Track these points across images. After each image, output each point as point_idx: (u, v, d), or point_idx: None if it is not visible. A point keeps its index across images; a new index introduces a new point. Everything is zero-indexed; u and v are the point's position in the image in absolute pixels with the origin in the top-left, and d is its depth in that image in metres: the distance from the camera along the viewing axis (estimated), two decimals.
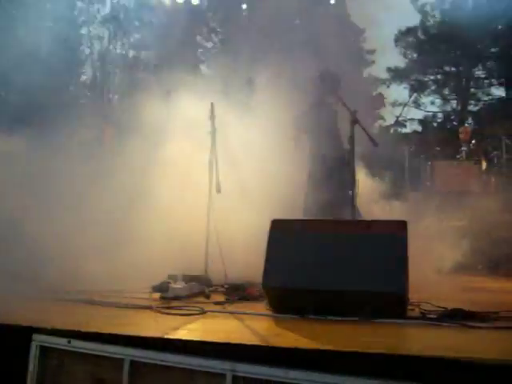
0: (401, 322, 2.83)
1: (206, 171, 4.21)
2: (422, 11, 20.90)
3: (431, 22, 20.99)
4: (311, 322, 2.84)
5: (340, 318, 2.84)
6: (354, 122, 4.05)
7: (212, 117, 4.29)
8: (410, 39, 21.35)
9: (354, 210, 3.95)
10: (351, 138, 4.06)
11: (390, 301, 2.83)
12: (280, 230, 3.09)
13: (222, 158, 4.20)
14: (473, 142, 8.25)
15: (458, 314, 2.95)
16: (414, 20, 21.10)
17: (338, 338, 2.55)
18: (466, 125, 9.13)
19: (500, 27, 20.66)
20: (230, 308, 3.32)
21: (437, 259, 5.63)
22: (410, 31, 21.11)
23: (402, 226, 2.98)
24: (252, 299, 3.59)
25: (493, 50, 20.28)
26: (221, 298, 3.64)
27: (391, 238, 2.93)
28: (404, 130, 18.18)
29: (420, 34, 21.06)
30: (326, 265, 2.92)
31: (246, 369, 2.30)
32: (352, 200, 3.97)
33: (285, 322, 2.88)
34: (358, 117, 4.15)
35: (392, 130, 9.36)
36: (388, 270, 2.84)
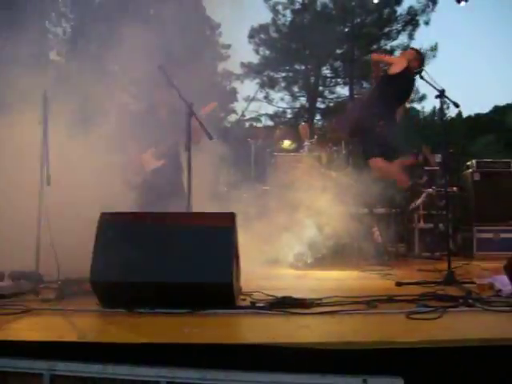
0: (230, 312, 2.89)
1: (38, 163, 4.00)
2: (274, 10, 21.56)
3: (282, 20, 21.71)
4: (139, 315, 2.81)
5: (169, 311, 2.84)
6: (190, 114, 4.08)
7: (44, 106, 4.07)
8: (263, 36, 21.94)
9: (189, 202, 3.98)
10: (188, 130, 4.08)
11: (219, 291, 2.88)
12: (109, 223, 3.02)
13: (54, 150, 4.02)
14: (315, 137, 8.64)
15: (285, 301, 3.08)
16: (266, 18, 21.70)
17: (164, 330, 2.55)
18: (303, 123, 9.49)
19: (346, 30, 21.94)
20: (59, 305, 3.19)
21: (275, 249, 5.86)
22: (262, 28, 21.70)
23: (230, 217, 3.05)
24: (86, 295, 3.48)
25: (338, 51, 21.49)
26: (51, 295, 3.49)
27: (220, 230, 2.99)
28: (259, 125, 18.77)
29: (272, 32, 21.72)
30: (156, 257, 2.91)
31: (64, 367, 2.22)
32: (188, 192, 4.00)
33: (112, 317, 2.83)
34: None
35: (247, 124, 9.54)
36: (217, 261, 2.89)
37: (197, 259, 2.89)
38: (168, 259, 2.91)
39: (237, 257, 3.13)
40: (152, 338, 2.36)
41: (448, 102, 4.27)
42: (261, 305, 3.01)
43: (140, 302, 2.89)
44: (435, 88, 4.23)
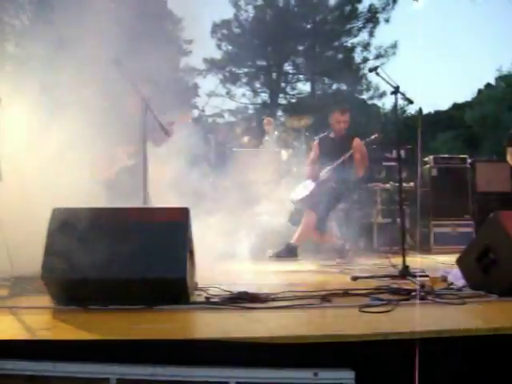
0: (184, 308, 2.87)
1: None
2: (236, 5, 21.52)
3: (244, 16, 21.69)
4: (91, 312, 2.77)
5: (122, 307, 2.81)
6: (145, 109, 4.04)
7: None
8: (225, 32, 21.88)
9: (146, 197, 3.95)
10: (143, 125, 4.05)
11: (172, 286, 2.86)
12: (61, 219, 2.96)
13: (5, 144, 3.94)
14: (276, 133, 8.69)
15: (240, 296, 3.08)
16: (229, 13, 21.65)
17: (117, 326, 2.52)
18: (268, 117, 9.52)
19: (308, 26, 22.05)
20: (10, 302, 3.12)
21: (234, 244, 5.86)
22: (224, 24, 21.64)
23: (184, 212, 3.03)
24: (39, 292, 3.41)
25: (300, 47, 21.59)
26: (4, 293, 3.42)
27: (174, 225, 2.97)
28: (222, 120, 18.72)
29: (234, 28, 21.68)
30: (108, 253, 2.86)
31: (13, 366, 2.18)
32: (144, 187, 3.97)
33: (64, 314, 2.77)
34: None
35: (211, 120, 9.48)
36: (170, 256, 2.86)
37: (150, 255, 2.86)
38: (121, 255, 2.86)
39: (191, 252, 3.11)
40: (104, 335, 2.32)
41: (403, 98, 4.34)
42: (215, 300, 3.00)
43: (93, 298, 2.85)
44: (390, 85, 4.29)
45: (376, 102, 22.71)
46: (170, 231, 2.94)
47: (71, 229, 2.95)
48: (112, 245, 2.89)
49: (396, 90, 4.23)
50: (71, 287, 2.87)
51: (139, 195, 4.41)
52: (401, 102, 4.44)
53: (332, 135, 6.63)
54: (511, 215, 3.49)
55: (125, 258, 2.87)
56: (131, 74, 4.32)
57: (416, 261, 5.41)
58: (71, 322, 2.58)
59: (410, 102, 4.31)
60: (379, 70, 4.46)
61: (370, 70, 4.41)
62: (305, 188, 6.53)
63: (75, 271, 2.85)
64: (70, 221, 2.98)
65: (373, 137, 6.61)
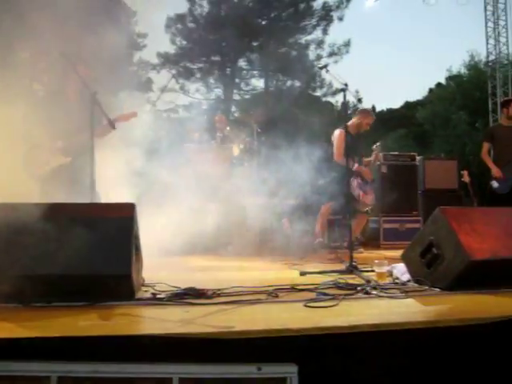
0: (128, 304, 2.84)
1: None
2: (191, 0, 21.36)
3: (199, 11, 21.56)
4: (34, 309, 2.71)
5: (66, 304, 2.76)
6: (93, 103, 3.98)
7: None
8: (180, 26, 21.70)
9: (93, 193, 3.89)
10: (91, 119, 3.98)
11: (118, 283, 2.83)
12: (2, 215, 2.89)
13: None
14: (227, 128, 8.67)
15: (187, 292, 3.07)
16: (183, 8, 21.47)
17: (60, 323, 2.47)
18: (220, 114, 9.51)
19: (263, 23, 22.10)
20: None
21: (185, 240, 5.84)
22: (179, 18, 21.46)
23: (130, 208, 3.00)
24: None
25: (254, 43, 21.61)
26: None
27: (119, 220, 2.93)
28: (177, 116, 18.60)
29: (188, 23, 21.52)
30: (52, 249, 2.80)
31: None
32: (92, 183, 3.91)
33: (5, 311, 2.70)
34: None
35: (165, 115, 9.39)
36: (116, 252, 2.83)
37: (95, 251, 2.82)
38: (65, 251, 2.81)
39: (137, 248, 3.08)
40: (46, 332, 2.28)
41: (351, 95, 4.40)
42: (161, 296, 2.98)
43: (36, 295, 2.79)
44: (339, 82, 4.34)
45: (330, 99, 22.95)
46: (115, 227, 2.90)
47: (12, 224, 2.88)
48: (55, 240, 2.84)
49: (344, 88, 4.28)
50: (13, 284, 2.80)
51: (83, 192, 4.33)
52: (353, 99, 4.50)
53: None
54: (455, 211, 3.59)
55: (69, 254, 2.81)
56: (77, 66, 4.24)
57: (364, 256, 5.49)
58: (12, 319, 2.51)
59: (359, 100, 4.38)
60: (329, 68, 4.51)
61: (320, 68, 4.45)
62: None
63: (17, 268, 2.78)
64: (10, 216, 2.91)
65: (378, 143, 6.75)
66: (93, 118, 4.05)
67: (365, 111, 6.36)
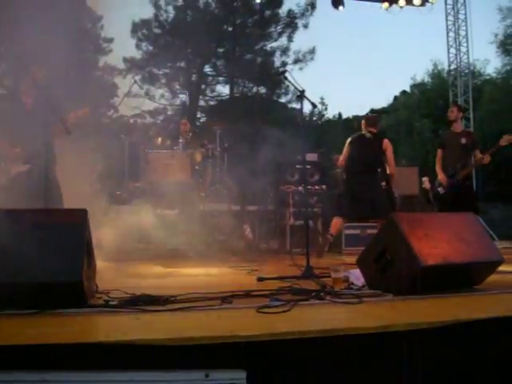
0: (80, 311, 2.79)
1: None
2: (156, 5, 21.25)
3: (164, 16, 21.46)
4: None
5: (15, 312, 2.71)
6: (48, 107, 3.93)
7: None
8: (145, 32, 21.57)
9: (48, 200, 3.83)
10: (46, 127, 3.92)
11: (69, 290, 2.79)
12: None
13: None
14: (190, 134, 8.66)
15: (140, 299, 3.05)
16: (148, 13, 21.36)
17: (6, 332, 2.42)
18: (184, 119, 9.49)
19: (229, 29, 22.12)
20: None
21: (144, 246, 5.81)
22: (144, 24, 21.33)
23: (82, 214, 2.96)
24: None
25: (220, 49, 21.63)
26: None
27: (71, 227, 2.89)
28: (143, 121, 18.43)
29: (154, 28, 21.40)
30: (3, 256, 2.75)
31: None
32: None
33: None
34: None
35: (132, 121, 9.29)
36: (66, 259, 2.79)
37: (45, 257, 2.77)
38: (14, 258, 2.76)
39: (90, 254, 3.05)
40: None
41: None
42: (114, 303, 2.95)
43: None
44: (296, 89, 4.37)
45: (295, 105, 23.03)
46: (66, 233, 2.87)
47: None
48: (4, 247, 2.78)
49: (301, 95, 4.32)
50: None
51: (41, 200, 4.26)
52: (320, 106, 4.56)
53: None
54: (407, 216, 3.64)
55: (19, 261, 2.77)
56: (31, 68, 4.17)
57: (322, 262, 5.53)
58: None
59: (314, 105, 4.42)
60: (287, 74, 4.54)
61: (278, 74, 4.49)
62: None
63: None
64: None
65: None
66: (47, 123, 3.98)
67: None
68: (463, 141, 6.79)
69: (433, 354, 2.49)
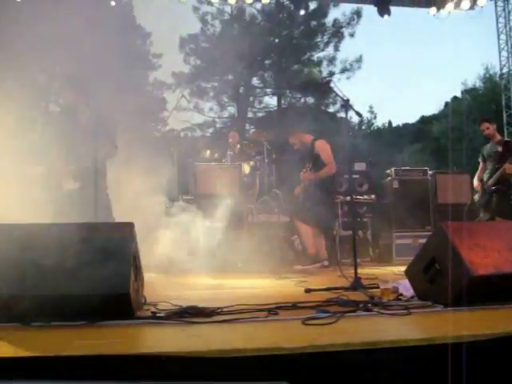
0: (128, 323, 2.84)
1: None
2: (203, 20, 21.58)
3: (211, 30, 21.77)
4: (34, 329, 2.73)
5: (66, 323, 2.77)
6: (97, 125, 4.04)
7: None
8: (193, 46, 21.94)
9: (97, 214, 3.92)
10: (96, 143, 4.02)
11: (116, 302, 2.83)
12: (1, 234, 2.93)
13: None
14: (238, 146, 8.72)
15: (186, 311, 3.07)
16: (196, 28, 21.73)
17: (57, 343, 2.48)
18: (233, 131, 9.56)
19: (276, 41, 22.26)
20: None
21: (196, 259, 5.86)
22: (191, 38, 21.70)
23: (129, 227, 3.02)
24: None
25: (267, 61, 21.76)
26: None
27: (118, 240, 2.95)
28: (194, 134, 18.71)
29: (201, 42, 21.74)
30: (51, 269, 2.83)
31: None
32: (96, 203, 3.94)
33: (5, 331, 2.72)
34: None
35: (182, 134, 9.44)
36: (114, 272, 2.84)
37: (94, 270, 2.83)
38: (64, 271, 2.83)
39: (137, 267, 3.09)
40: (45, 352, 2.29)
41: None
42: (161, 315, 2.98)
43: (36, 315, 2.81)
44: (341, 98, 4.34)
45: (343, 115, 22.87)
46: (114, 246, 2.92)
47: (12, 244, 2.91)
48: (55, 260, 2.86)
49: (346, 104, 4.29)
50: (12, 303, 2.82)
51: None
52: (368, 115, 4.53)
53: None
54: (458, 226, 3.55)
55: (68, 274, 2.84)
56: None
57: (372, 272, 5.45)
58: (12, 339, 2.53)
59: (359, 114, 4.38)
60: (332, 84, 4.52)
61: (322, 84, 4.48)
62: None
63: (16, 287, 2.81)
64: (10, 236, 2.95)
65: None
66: (98, 142, 4.08)
67: None
68: (499, 149, 7.12)
69: (486, 367, 2.41)
